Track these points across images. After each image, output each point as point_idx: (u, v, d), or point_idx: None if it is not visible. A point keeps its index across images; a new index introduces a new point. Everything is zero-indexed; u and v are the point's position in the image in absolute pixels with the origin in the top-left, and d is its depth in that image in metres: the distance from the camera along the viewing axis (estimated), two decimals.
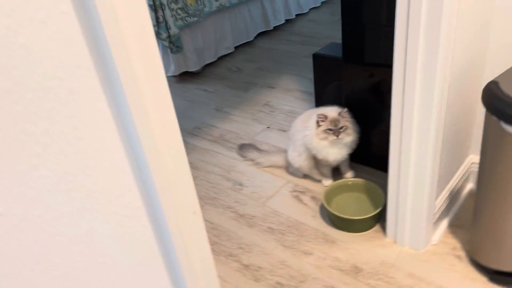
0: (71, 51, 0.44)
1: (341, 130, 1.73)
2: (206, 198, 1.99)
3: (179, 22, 2.89)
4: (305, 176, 2.01)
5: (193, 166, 2.22)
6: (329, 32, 3.66)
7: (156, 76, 0.50)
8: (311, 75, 2.95)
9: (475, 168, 1.73)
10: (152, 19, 2.84)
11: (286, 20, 3.88)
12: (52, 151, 0.45)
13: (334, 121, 1.73)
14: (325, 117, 1.74)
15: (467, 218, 1.67)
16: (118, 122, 0.50)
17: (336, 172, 1.99)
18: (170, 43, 2.92)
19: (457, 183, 1.66)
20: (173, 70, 3.06)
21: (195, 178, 2.13)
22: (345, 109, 1.75)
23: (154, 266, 0.60)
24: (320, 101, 2.20)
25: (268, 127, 2.46)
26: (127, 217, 0.54)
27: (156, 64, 0.50)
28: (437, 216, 1.57)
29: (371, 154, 1.98)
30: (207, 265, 0.64)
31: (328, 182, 1.93)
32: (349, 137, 1.78)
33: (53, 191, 0.46)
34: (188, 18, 2.94)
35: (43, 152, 0.44)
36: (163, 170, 0.54)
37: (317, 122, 1.76)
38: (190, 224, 0.59)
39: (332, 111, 1.78)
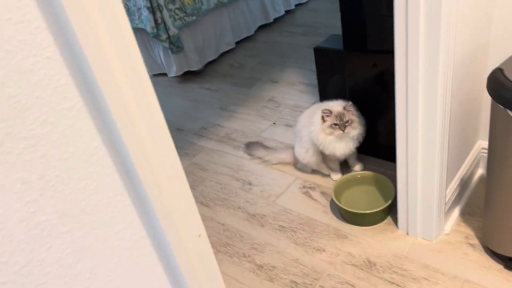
0: (60, 94, 0.44)
1: (346, 124, 1.72)
2: (217, 200, 1.99)
3: (178, 22, 2.88)
4: (314, 171, 2.01)
5: (201, 167, 2.23)
6: (330, 20, 3.61)
7: (150, 108, 0.50)
8: (314, 66, 2.92)
9: (485, 153, 1.71)
10: (150, 21, 2.83)
11: (286, 11, 3.84)
12: (49, 195, 0.45)
13: (339, 116, 1.72)
14: (330, 112, 1.72)
15: (479, 205, 1.65)
16: (114, 158, 0.50)
17: (344, 165, 1.98)
18: (170, 43, 2.91)
19: (467, 169, 1.65)
20: (175, 71, 3.05)
21: (204, 179, 2.14)
22: (350, 103, 1.74)
23: None
24: (324, 94, 2.18)
25: (274, 123, 2.45)
26: (131, 249, 0.55)
27: (150, 96, 0.50)
28: (448, 205, 1.55)
29: (378, 145, 1.96)
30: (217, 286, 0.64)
31: (337, 176, 1.92)
32: (355, 131, 1.76)
33: (53, 234, 0.46)
34: (186, 18, 2.93)
35: (40, 197, 0.44)
36: (163, 199, 0.54)
37: (322, 117, 1.74)
38: (196, 248, 0.60)
39: (336, 105, 1.76)
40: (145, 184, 0.51)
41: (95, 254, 0.51)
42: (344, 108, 1.73)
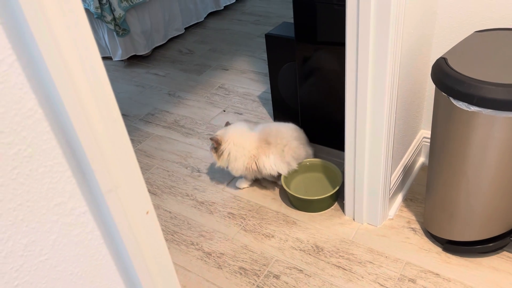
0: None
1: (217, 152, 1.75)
2: (164, 187, 1.93)
3: (124, 4, 2.75)
4: None
5: (147, 154, 2.15)
6: (281, 11, 3.62)
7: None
8: (264, 55, 2.92)
9: (427, 142, 1.79)
10: (94, 0, 2.68)
11: None
12: None
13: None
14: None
15: (420, 192, 1.73)
16: (51, 120, 0.44)
17: None
18: (115, 26, 2.78)
19: (410, 157, 1.71)
20: (121, 54, 2.92)
21: (150, 167, 2.07)
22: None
23: (105, 271, 0.56)
24: (275, 83, 2.17)
25: (224, 111, 2.42)
26: (71, 225, 0.50)
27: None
28: (392, 191, 1.60)
29: (327, 134, 1.99)
30: (166, 268, 0.61)
31: None
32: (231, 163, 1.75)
33: None
34: None
35: None
36: (109, 170, 0.49)
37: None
38: (144, 226, 0.55)
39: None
40: (88, 153, 0.46)
41: (29, 229, 0.45)
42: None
